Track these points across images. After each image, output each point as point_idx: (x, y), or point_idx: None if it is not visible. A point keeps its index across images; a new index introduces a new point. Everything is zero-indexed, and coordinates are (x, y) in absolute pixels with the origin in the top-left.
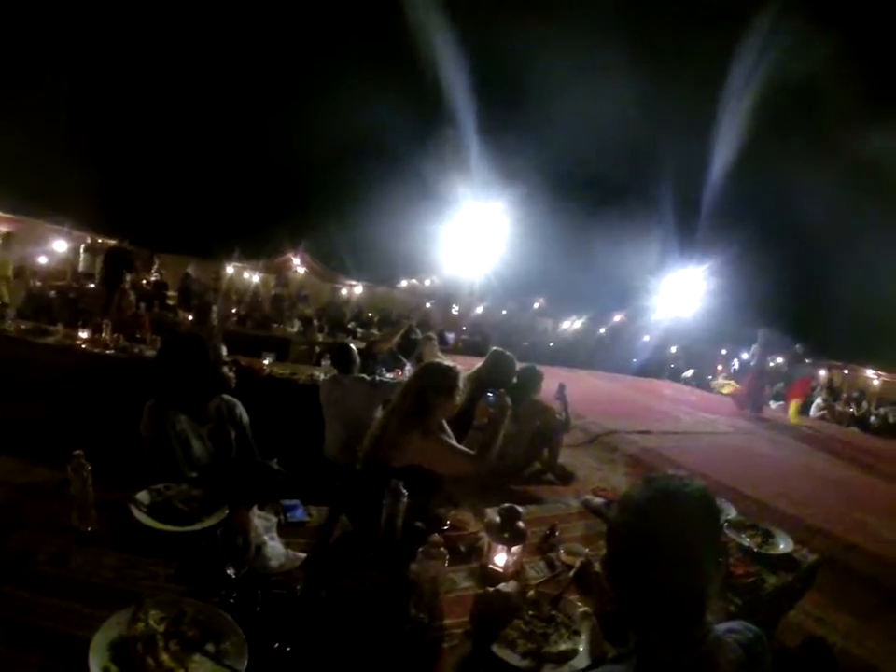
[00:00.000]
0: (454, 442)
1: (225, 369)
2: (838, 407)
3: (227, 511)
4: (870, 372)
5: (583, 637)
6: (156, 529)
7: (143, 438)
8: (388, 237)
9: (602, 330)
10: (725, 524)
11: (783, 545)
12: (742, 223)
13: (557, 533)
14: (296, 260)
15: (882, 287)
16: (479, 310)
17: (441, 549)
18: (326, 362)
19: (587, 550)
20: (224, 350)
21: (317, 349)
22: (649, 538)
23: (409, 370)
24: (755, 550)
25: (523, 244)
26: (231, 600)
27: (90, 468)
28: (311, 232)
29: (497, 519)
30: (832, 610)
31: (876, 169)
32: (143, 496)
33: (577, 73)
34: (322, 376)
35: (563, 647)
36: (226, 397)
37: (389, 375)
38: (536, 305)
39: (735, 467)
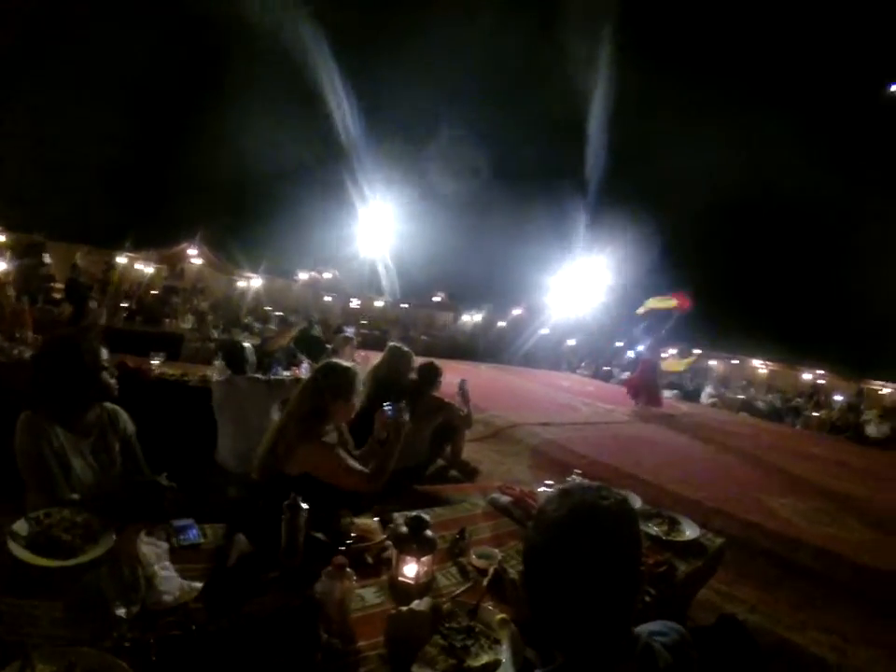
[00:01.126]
0: (349, 460)
1: (105, 374)
2: (728, 394)
3: (113, 538)
4: (756, 362)
5: (504, 645)
6: (35, 565)
7: (17, 456)
8: (288, 229)
9: (502, 324)
10: None
11: (689, 531)
12: (638, 217)
13: (467, 536)
14: (192, 251)
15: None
16: (378, 304)
17: (347, 569)
18: (220, 361)
19: (499, 552)
20: (105, 352)
21: (211, 346)
22: (568, 558)
23: (305, 367)
24: (664, 538)
25: (423, 239)
26: (126, 643)
27: None
28: (208, 222)
29: (404, 529)
30: (738, 585)
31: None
32: (20, 526)
33: (464, 67)
34: (215, 377)
35: (485, 658)
36: (107, 405)
37: (286, 374)
38: (436, 299)
39: (634, 454)
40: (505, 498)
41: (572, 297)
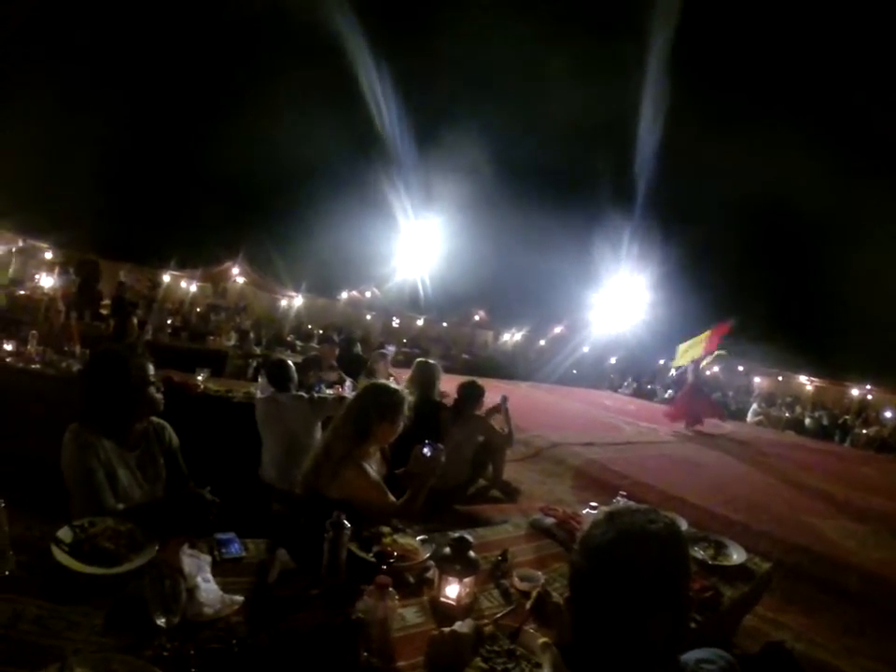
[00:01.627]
0: (381, 485)
1: (152, 389)
2: (773, 412)
3: (156, 549)
4: (803, 378)
5: (546, 669)
6: (79, 572)
7: (63, 467)
8: (330, 248)
9: (542, 342)
10: None
11: (736, 556)
12: (679, 235)
13: (509, 558)
14: (235, 270)
15: (828, 298)
16: (419, 322)
17: (390, 589)
18: (263, 378)
19: (542, 575)
20: (152, 367)
21: (254, 363)
22: (614, 583)
23: (349, 386)
24: (710, 563)
25: (463, 257)
26: (165, 653)
27: (3, 503)
28: (251, 242)
29: (447, 550)
30: (784, 611)
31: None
32: (64, 533)
33: (502, 85)
34: (259, 393)
35: None
36: (154, 419)
37: (329, 392)
38: (476, 318)
39: (679, 476)
40: (548, 520)
41: (613, 314)
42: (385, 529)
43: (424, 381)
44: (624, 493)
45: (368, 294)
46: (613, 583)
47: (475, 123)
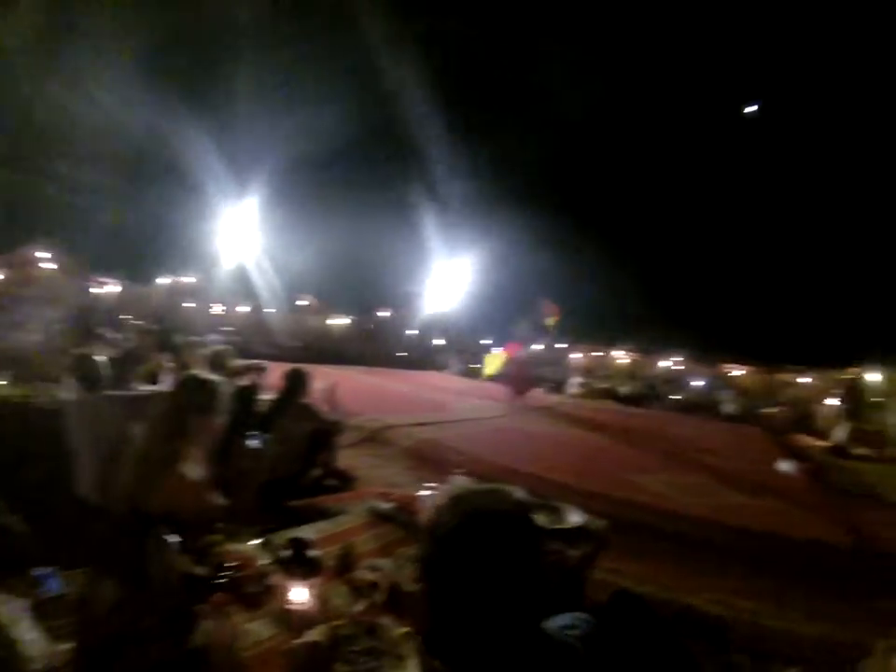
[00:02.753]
0: (207, 489)
1: None
2: (593, 384)
3: None
4: (618, 352)
5: (411, 660)
6: None
7: None
8: (146, 230)
9: (371, 326)
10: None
11: (574, 518)
12: (500, 223)
13: (352, 550)
14: (41, 255)
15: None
16: (244, 309)
17: (232, 605)
18: (70, 378)
19: (389, 563)
20: None
21: (63, 362)
22: (467, 568)
23: (164, 381)
24: (550, 528)
25: (289, 243)
26: None
27: None
28: (61, 224)
29: (287, 552)
30: (627, 562)
31: None
32: None
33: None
34: (66, 396)
35: None
36: None
37: (148, 388)
38: (303, 303)
39: (511, 448)
40: (387, 505)
41: (437, 297)
42: (218, 537)
43: (233, 370)
44: (461, 470)
45: (190, 280)
46: (466, 569)
47: (288, 115)
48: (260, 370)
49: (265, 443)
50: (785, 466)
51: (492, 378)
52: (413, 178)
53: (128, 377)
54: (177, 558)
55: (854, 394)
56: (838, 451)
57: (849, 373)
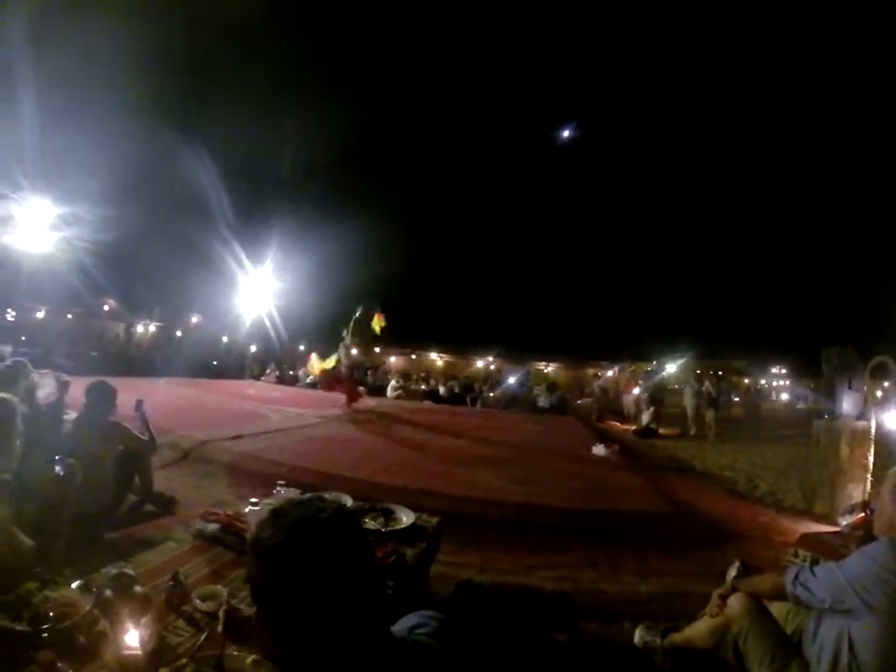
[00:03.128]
0: (8, 530)
1: None
2: (411, 385)
3: None
4: (433, 355)
5: None
6: None
7: None
8: None
9: (178, 333)
10: None
11: (405, 517)
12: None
13: (182, 580)
14: None
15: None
16: (40, 315)
17: (59, 664)
18: None
19: (223, 589)
20: None
21: None
22: (298, 585)
23: None
24: (384, 530)
25: (83, 241)
26: None
27: None
28: None
29: (109, 593)
30: (463, 553)
31: None
32: None
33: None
34: None
35: None
36: None
37: None
38: (105, 308)
39: (332, 454)
40: (212, 526)
41: (249, 303)
42: (31, 585)
43: (30, 386)
44: (283, 482)
45: None
46: (296, 586)
47: None
48: (63, 383)
49: (71, 469)
50: (600, 450)
51: (317, 384)
52: (215, 190)
53: None
54: None
55: (655, 382)
56: (646, 432)
57: (649, 366)
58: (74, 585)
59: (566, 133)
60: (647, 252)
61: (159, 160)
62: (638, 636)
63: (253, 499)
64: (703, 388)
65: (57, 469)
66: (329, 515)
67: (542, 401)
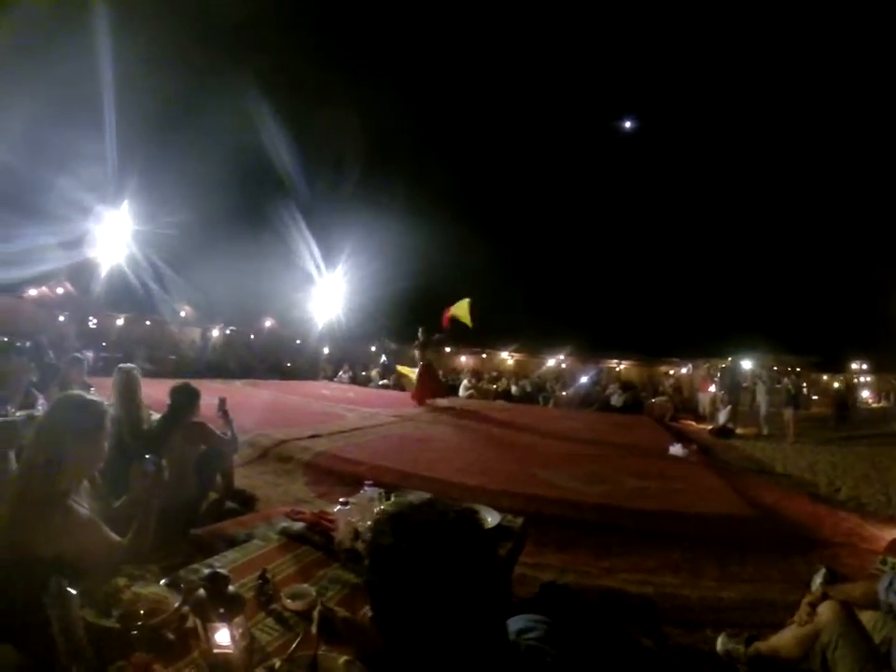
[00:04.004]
0: (100, 526)
1: None
2: (483, 385)
3: None
4: (504, 354)
5: None
6: None
7: None
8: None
9: (252, 337)
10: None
11: (490, 518)
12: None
13: (270, 578)
14: None
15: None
16: (119, 322)
17: (156, 667)
18: None
19: (311, 588)
20: None
21: None
22: (426, 592)
23: (43, 404)
24: None
25: (161, 249)
26: None
27: None
28: None
29: (202, 592)
30: (543, 555)
31: None
32: None
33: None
34: None
35: None
36: None
37: (19, 413)
38: (182, 314)
39: (409, 454)
40: (298, 525)
41: (322, 306)
42: (121, 581)
43: (124, 389)
44: (370, 482)
45: (59, 290)
46: (422, 592)
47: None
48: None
49: (159, 467)
50: (677, 449)
51: (389, 386)
52: (290, 199)
53: None
54: (77, 613)
55: (730, 380)
56: (723, 432)
57: (724, 362)
58: (162, 582)
59: (629, 125)
60: (720, 245)
61: (230, 169)
62: (721, 643)
63: (342, 499)
64: (782, 385)
65: (146, 466)
66: (453, 519)
67: (615, 400)
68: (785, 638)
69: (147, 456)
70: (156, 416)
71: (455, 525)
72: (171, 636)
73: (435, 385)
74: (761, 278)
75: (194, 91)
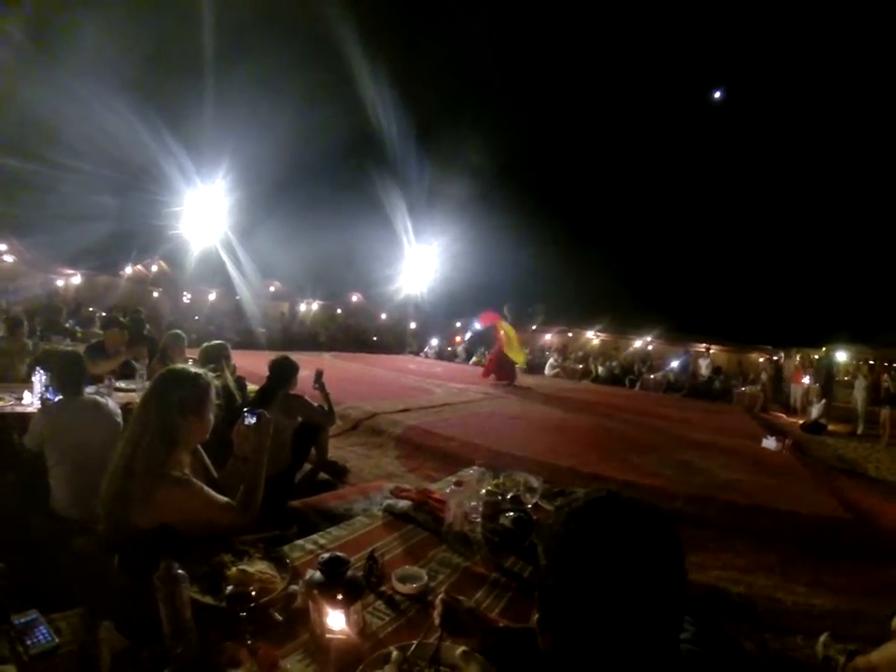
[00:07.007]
0: (209, 491)
1: None
2: (569, 364)
3: None
4: (590, 334)
5: None
6: None
7: None
8: (106, 217)
9: (339, 311)
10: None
11: None
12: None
13: (379, 558)
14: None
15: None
16: (211, 297)
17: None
18: (43, 378)
19: (422, 571)
20: None
21: (27, 360)
22: (608, 595)
23: (142, 374)
24: None
25: (254, 225)
26: None
27: None
28: (17, 213)
29: (318, 574)
30: None
31: None
32: None
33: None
34: (36, 401)
35: None
36: None
37: (123, 384)
38: (271, 289)
39: (499, 431)
40: (402, 503)
41: (409, 281)
42: (227, 557)
43: (219, 360)
44: (481, 462)
45: (154, 268)
46: (607, 594)
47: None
48: None
49: (263, 418)
50: (770, 443)
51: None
52: (386, 171)
53: (99, 376)
54: (188, 596)
55: (825, 372)
56: (814, 427)
57: (818, 353)
58: (269, 559)
59: (723, 99)
60: (816, 229)
61: (324, 148)
62: (821, 644)
63: (453, 479)
64: (879, 382)
65: (250, 419)
66: (646, 516)
67: (706, 386)
68: (887, 654)
69: (247, 411)
70: (252, 387)
71: (650, 527)
72: (279, 616)
73: (507, 366)
74: (861, 260)
75: (296, 63)
